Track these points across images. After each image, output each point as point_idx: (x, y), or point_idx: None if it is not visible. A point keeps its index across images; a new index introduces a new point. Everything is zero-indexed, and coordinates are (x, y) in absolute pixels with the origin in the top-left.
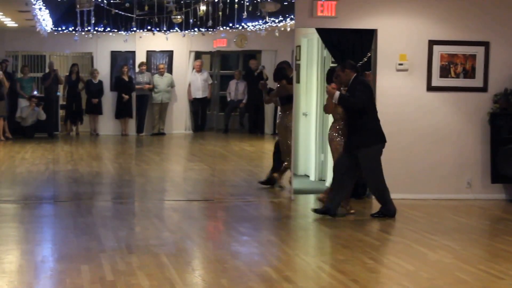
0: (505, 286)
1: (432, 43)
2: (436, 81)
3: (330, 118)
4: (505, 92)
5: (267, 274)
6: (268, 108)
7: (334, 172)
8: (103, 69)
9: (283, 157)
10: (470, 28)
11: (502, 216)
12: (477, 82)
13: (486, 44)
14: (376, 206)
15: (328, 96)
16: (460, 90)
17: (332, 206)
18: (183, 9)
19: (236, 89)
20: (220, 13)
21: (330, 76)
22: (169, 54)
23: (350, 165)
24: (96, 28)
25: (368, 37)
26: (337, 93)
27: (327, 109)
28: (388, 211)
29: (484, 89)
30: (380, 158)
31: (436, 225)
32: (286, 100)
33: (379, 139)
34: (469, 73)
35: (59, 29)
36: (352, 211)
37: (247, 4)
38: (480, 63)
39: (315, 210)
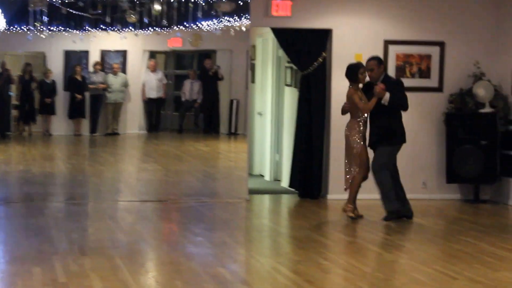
0: (460, 286)
1: (387, 43)
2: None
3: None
4: (460, 92)
5: (221, 276)
6: (223, 108)
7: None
8: (56, 69)
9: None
10: (426, 28)
11: (457, 216)
12: (433, 82)
13: (441, 44)
14: (331, 206)
15: (375, 96)
16: (415, 90)
17: (405, 208)
18: (138, 8)
19: (191, 89)
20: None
21: (351, 73)
22: (123, 53)
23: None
24: (50, 27)
25: (323, 37)
26: (387, 93)
27: (368, 109)
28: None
29: (439, 89)
30: (394, 159)
31: (391, 225)
32: None
33: (403, 139)
34: (425, 73)
35: (12, 28)
36: (360, 214)
37: (202, 3)
38: (436, 63)
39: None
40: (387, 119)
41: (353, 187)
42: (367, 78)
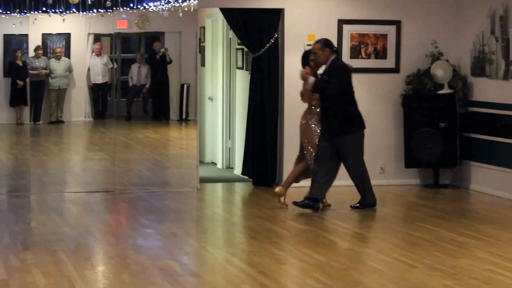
0: (418, 274)
1: (341, 22)
2: (347, 62)
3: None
4: (417, 73)
5: (170, 269)
6: (173, 93)
7: (316, 162)
8: None
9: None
10: (381, 6)
11: (416, 202)
12: (389, 62)
13: (397, 23)
14: (286, 193)
15: (303, 82)
16: (371, 71)
17: (319, 197)
18: None
19: (139, 73)
20: None
21: (306, 59)
22: (66, 37)
23: (333, 154)
24: None
25: (274, 17)
26: (312, 78)
27: (303, 96)
28: (369, 202)
29: (396, 70)
30: (363, 145)
31: (347, 212)
32: None
33: (361, 125)
34: (381, 54)
35: None
36: (328, 203)
37: None
38: (392, 43)
39: (297, 203)
40: (341, 105)
41: (296, 174)
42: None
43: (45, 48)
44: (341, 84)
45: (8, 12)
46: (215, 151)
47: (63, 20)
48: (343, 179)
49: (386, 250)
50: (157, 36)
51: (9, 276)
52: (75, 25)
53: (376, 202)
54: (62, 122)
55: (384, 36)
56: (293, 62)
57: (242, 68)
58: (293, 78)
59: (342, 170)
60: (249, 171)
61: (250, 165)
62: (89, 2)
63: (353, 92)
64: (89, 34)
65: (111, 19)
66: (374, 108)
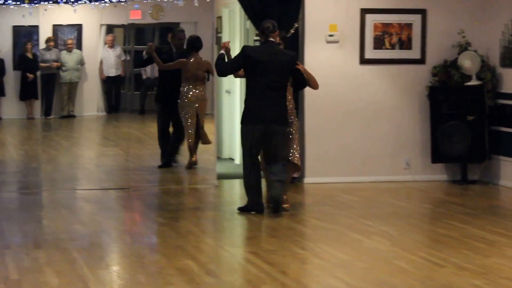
0: (446, 274)
1: (364, 11)
2: (370, 53)
3: None
4: (444, 64)
5: (188, 268)
6: None
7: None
8: (4, 46)
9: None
10: None
11: (443, 198)
12: (414, 53)
13: (422, 12)
14: (307, 190)
15: None
16: (396, 63)
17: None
18: None
19: (152, 66)
20: None
21: None
22: (78, 28)
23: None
24: None
25: (294, 5)
26: (221, 52)
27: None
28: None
29: (421, 61)
30: (248, 140)
31: (372, 209)
32: None
33: (247, 119)
34: (405, 44)
35: None
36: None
37: None
38: (417, 32)
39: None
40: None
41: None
42: None
43: (56, 40)
44: (230, 67)
45: (18, 2)
46: (233, 147)
47: (74, 10)
48: (366, 175)
49: (413, 248)
50: (171, 27)
51: (21, 277)
52: (87, 16)
53: (258, 209)
54: (73, 116)
55: (409, 26)
56: (314, 53)
57: None
58: (315, 69)
59: (364, 166)
60: None
61: None
62: None
63: (256, 83)
64: (101, 25)
65: (124, 10)
66: (399, 100)
